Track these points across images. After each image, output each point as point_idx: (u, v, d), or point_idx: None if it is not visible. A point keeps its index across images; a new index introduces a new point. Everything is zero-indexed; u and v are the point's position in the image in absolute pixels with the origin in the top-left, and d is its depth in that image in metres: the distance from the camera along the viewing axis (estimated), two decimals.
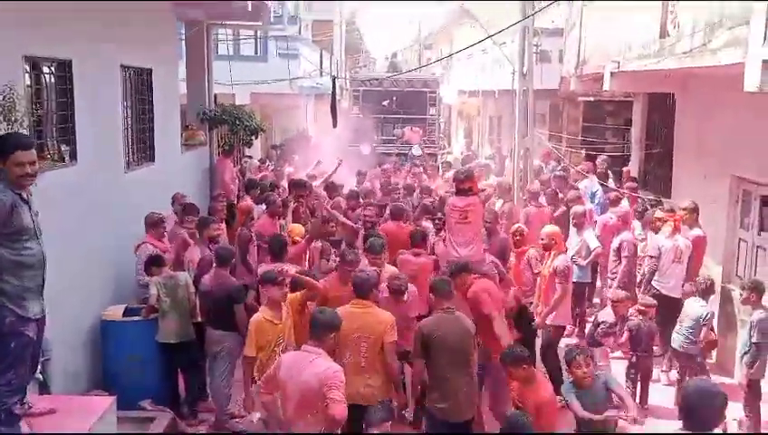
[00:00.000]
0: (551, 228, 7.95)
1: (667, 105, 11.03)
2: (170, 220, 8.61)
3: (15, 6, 5.79)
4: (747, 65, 6.30)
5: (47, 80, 6.65)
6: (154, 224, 7.77)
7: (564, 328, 7.66)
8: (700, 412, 3.38)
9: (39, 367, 6.06)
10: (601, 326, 7.31)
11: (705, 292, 7.31)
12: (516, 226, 8.81)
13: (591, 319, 8.03)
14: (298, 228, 8.71)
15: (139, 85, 8.98)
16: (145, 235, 7.74)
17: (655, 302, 7.65)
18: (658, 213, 8.84)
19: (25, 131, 5.68)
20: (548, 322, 7.44)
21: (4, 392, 4.07)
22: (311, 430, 4.47)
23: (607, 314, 7.42)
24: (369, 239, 7.34)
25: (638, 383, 7.47)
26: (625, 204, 10.22)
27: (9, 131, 5.31)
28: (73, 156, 6.99)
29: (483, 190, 9.48)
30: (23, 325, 4.09)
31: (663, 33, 8.78)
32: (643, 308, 7.53)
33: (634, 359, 7.47)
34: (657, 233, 8.58)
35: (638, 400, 7.32)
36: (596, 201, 11.11)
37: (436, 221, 8.56)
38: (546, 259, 7.67)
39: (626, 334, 7.33)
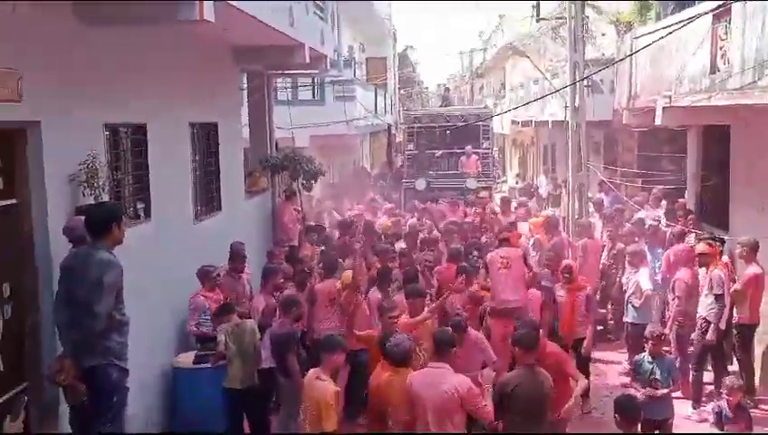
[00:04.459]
0: (566, 262, 8.66)
1: (723, 137, 10.98)
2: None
3: (96, 76, 6.31)
4: None
5: (124, 144, 7.16)
6: (206, 276, 8.12)
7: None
8: None
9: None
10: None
11: None
12: (565, 262, 8.94)
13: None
14: (345, 275, 8.53)
15: (206, 139, 9.49)
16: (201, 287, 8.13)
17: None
18: (702, 246, 8.76)
19: (106, 196, 6.16)
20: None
21: None
22: None
23: None
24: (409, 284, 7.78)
25: None
26: (690, 240, 10.07)
27: (93, 197, 5.81)
28: (147, 213, 7.44)
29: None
30: (123, 379, 4.54)
31: (713, 69, 8.85)
32: None
33: None
34: (701, 268, 8.61)
35: None
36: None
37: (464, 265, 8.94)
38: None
39: None
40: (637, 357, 7.35)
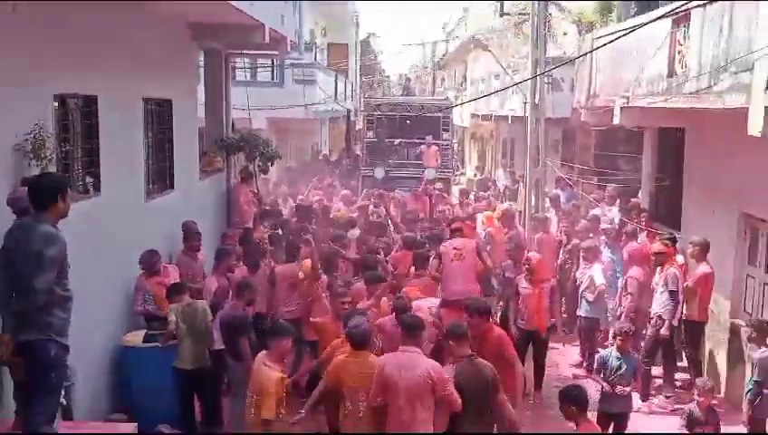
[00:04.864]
0: (527, 255, 8.82)
1: (678, 139, 11.17)
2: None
3: (45, 45, 6.05)
4: (750, 111, 6.48)
5: (73, 115, 6.90)
6: (150, 261, 7.88)
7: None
8: None
9: (62, 392, 6.34)
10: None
11: None
12: (527, 255, 9.00)
13: None
14: (305, 265, 8.44)
15: (160, 115, 9.24)
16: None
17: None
18: (658, 245, 8.86)
19: (53, 167, 5.92)
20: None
21: (41, 421, 4.32)
22: (418, 418, 5.26)
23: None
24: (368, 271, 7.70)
25: None
26: (642, 238, 10.24)
27: (40, 169, 5.58)
28: (97, 188, 7.22)
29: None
30: (63, 356, 4.38)
31: (671, 73, 8.96)
32: None
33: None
34: (657, 266, 8.70)
35: None
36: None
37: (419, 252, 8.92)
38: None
39: None
40: (603, 353, 7.32)
